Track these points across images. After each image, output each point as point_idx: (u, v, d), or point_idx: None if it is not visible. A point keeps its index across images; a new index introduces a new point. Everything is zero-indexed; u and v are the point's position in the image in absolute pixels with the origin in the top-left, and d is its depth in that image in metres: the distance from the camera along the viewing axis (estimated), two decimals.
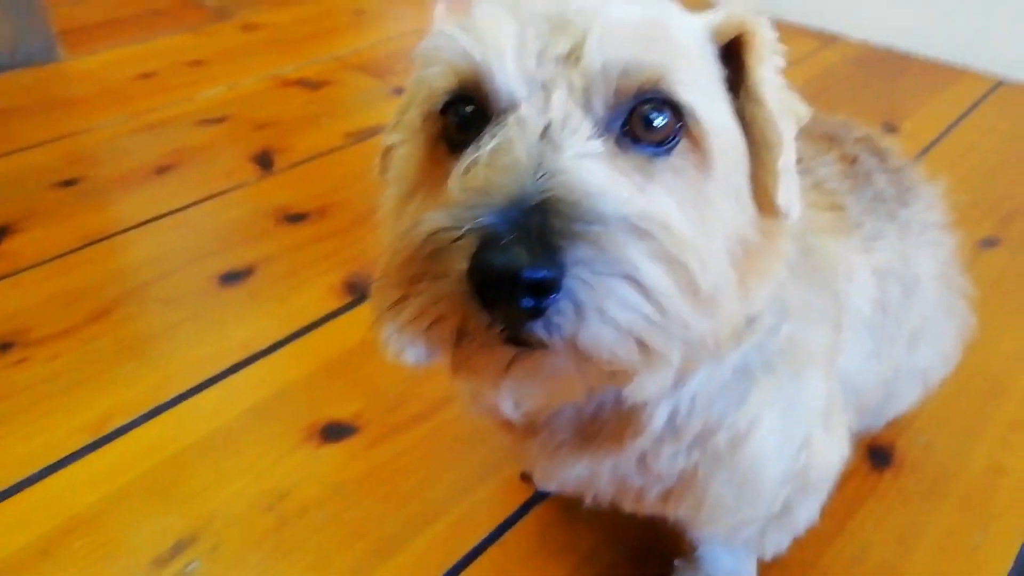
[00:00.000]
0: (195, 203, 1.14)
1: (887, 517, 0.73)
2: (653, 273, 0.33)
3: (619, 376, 0.37)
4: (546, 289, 0.31)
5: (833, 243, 0.56)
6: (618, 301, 0.33)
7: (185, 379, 0.85)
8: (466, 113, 0.39)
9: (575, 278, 0.31)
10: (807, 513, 0.58)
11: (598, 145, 0.36)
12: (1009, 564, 0.69)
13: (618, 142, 0.38)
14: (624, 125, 0.38)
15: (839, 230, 0.58)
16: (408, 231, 0.35)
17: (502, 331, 0.33)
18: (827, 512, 0.60)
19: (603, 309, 0.32)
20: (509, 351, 0.34)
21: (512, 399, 0.44)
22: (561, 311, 0.32)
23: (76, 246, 1.04)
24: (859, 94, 1.53)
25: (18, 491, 0.73)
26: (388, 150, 0.47)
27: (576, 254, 0.31)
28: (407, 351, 0.37)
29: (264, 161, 1.24)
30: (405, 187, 0.43)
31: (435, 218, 0.34)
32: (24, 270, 0.99)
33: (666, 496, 0.52)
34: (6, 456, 0.76)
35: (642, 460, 0.49)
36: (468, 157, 0.37)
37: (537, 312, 0.32)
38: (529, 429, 0.50)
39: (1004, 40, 1.59)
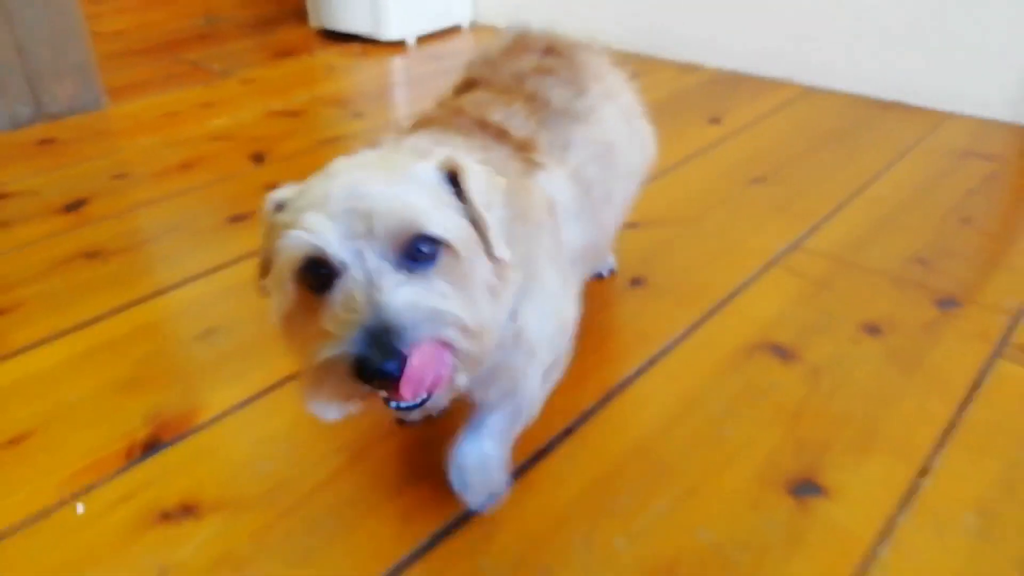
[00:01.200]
0: (208, 184, 1.64)
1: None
2: (451, 336, 0.59)
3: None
4: (399, 369, 0.55)
5: (528, 181, 0.80)
6: (436, 357, 0.57)
7: None
8: (317, 270, 0.59)
9: (410, 354, 0.56)
10: (559, 370, 0.87)
11: (398, 276, 0.58)
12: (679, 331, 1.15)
13: (408, 269, 0.59)
14: (408, 257, 0.59)
15: (530, 167, 0.82)
16: (315, 351, 0.58)
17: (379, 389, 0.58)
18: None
19: (427, 363, 0.56)
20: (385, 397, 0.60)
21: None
22: (406, 368, 0.55)
23: (130, 210, 1.53)
24: (702, 104, 2.04)
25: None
26: (264, 265, 0.67)
27: (408, 340, 0.56)
28: (327, 412, 0.61)
29: (257, 159, 1.74)
30: (286, 310, 0.63)
31: (325, 347, 0.57)
32: (100, 221, 1.48)
33: (485, 380, 0.76)
34: None
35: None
36: (330, 303, 0.58)
37: (396, 379, 0.55)
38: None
39: (810, 55, 2.12)
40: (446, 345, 0.58)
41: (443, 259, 0.61)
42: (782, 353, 1.10)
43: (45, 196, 1.58)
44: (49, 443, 0.96)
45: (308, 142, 1.83)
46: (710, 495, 0.88)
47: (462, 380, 0.61)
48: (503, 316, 0.69)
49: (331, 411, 0.61)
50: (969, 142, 1.77)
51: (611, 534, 0.83)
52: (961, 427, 0.97)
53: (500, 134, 0.83)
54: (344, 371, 0.56)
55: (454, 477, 0.82)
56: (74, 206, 1.54)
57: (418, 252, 0.60)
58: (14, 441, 0.97)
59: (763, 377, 1.05)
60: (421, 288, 0.58)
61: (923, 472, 0.90)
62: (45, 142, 1.85)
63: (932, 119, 1.90)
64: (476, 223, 0.65)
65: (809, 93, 2.08)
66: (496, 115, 0.85)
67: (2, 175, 1.68)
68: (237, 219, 1.49)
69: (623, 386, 1.05)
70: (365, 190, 0.60)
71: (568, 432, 0.97)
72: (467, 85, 0.95)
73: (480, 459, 0.82)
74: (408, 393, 0.56)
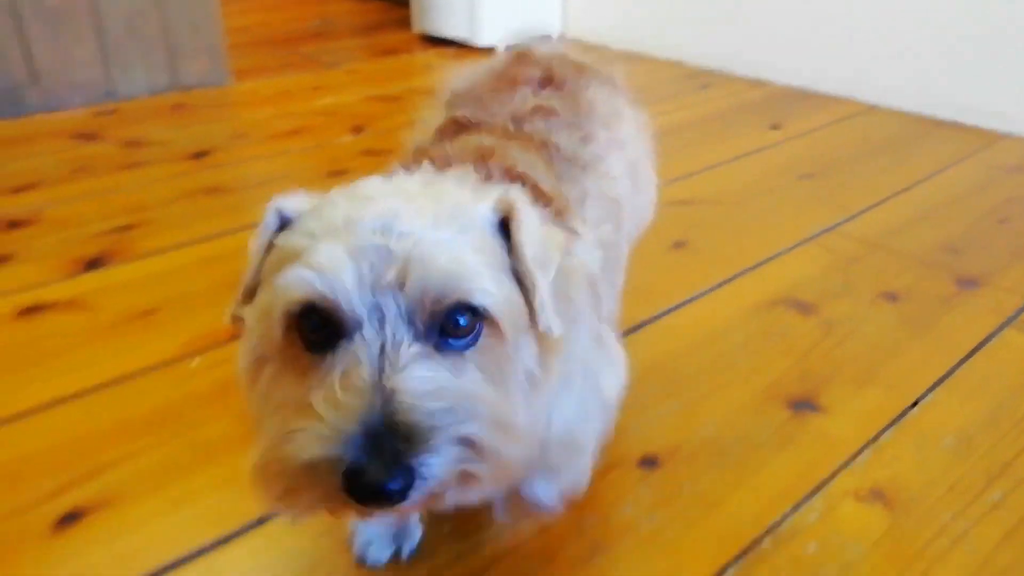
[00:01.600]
0: (312, 148, 1.86)
1: None
2: (481, 436, 0.45)
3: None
4: (406, 488, 0.43)
5: (569, 256, 0.62)
6: (453, 474, 0.45)
7: None
8: (318, 322, 0.47)
9: (421, 471, 0.43)
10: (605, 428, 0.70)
11: (421, 351, 0.46)
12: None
13: (436, 346, 0.47)
14: (440, 329, 0.47)
15: (570, 237, 0.64)
16: (291, 436, 0.45)
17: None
18: None
19: (442, 485, 0.45)
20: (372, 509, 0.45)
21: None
22: (415, 492, 0.44)
23: (244, 161, 1.76)
24: (765, 113, 2.17)
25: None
26: (248, 290, 0.54)
27: (421, 461, 0.43)
28: (294, 515, 0.48)
29: (356, 130, 1.97)
30: (258, 355, 0.51)
31: (308, 439, 0.44)
32: (219, 167, 1.72)
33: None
34: None
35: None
36: (326, 369, 0.46)
37: (401, 499, 0.43)
38: None
39: (873, 75, 2.23)
40: (471, 445, 0.45)
41: (484, 340, 0.49)
42: (802, 307, 1.22)
43: (175, 146, 1.84)
44: (173, 318, 1.17)
45: (403, 120, 2.05)
46: (716, 403, 1.01)
47: (480, 494, 0.48)
48: (542, 417, 0.56)
49: (298, 515, 0.48)
50: (1020, 160, 1.84)
51: (623, 423, 0.97)
52: (958, 375, 1.07)
53: (536, 191, 0.65)
54: (330, 482, 0.43)
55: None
56: (199, 155, 1.79)
57: (455, 325, 0.48)
58: (146, 313, 1.18)
59: (781, 323, 1.18)
60: (447, 373, 0.47)
61: (914, 404, 1.01)
62: (178, 107, 2.12)
63: (987, 138, 1.97)
64: (523, 285, 0.52)
65: (870, 110, 2.18)
66: (521, 165, 0.69)
67: (141, 129, 1.95)
68: (334, 174, 1.70)
69: (653, 320, 1.19)
70: (404, 227, 0.48)
71: None
72: (455, 127, 0.79)
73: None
74: (407, 513, 0.49)
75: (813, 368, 1.08)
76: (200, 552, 0.78)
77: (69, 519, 0.82)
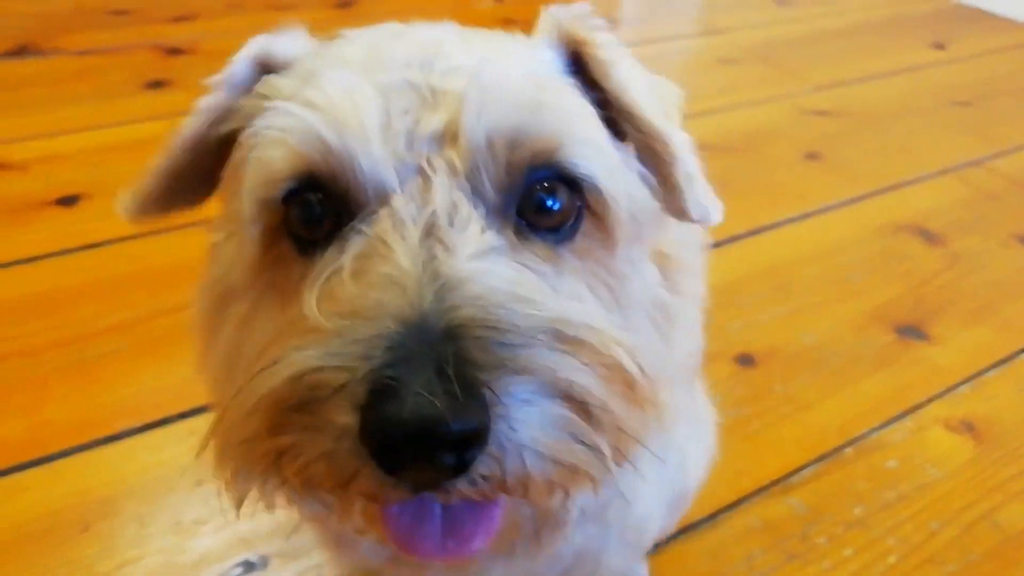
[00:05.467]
0: (449, 7, 1.87)
1: None
2: (587, 385, 0.27)
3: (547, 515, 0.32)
4: (472, 441, 0.24)
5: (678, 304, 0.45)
6: (554, 430, 0.27)
7: None
8: (315, 205, 0.31)
9: (504, 419, 0.25)
10: (686, 507, 0.59)
11: (495, 239, 0.29)
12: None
13: (516, 231, 0.31)
14: (519, 209, 0.31)
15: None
16: (263, 370, 0.27)
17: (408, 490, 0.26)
18: None
19: (539, 444, 0.26)
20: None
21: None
22: (490, 460, 0.25)
23: (387, 16, 1.80)
24: (930, 29, 2.02)
25: None
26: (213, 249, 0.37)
27: (503, 391, 0.25)
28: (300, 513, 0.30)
29: None
30: (225, 288, 0.34)
31: (302, 355, 0.26)
32: (368, 17, 1.76)
33: (563, 573, 0.47)
34: None
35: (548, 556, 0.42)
36: (326, 264, 0.29)
37: (460, 468, 0.25)
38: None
39: None
40: (579, 403, 0.28)
41: (585, 236, 0.33)
42: (928, 236, 1.19)
43: None
44: None
45: None
46: (822, 315, 1.02)
47: (590, 495, 0.32)
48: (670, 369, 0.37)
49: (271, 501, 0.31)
50: None
51: (728, 319, 1.00)
52: None
53: None
54: (336, 426, 0.26)
55: None
56: (344, 4, 1.83)
57: (539, 207, 0.32)
58: None
59: (903, 249, 1.16)
60: (537, 278, 0.30)
61: None
62: None
63: None
64: (642, 152, 0.36)
65: None
66: None
67: None
68: None
69: (774, 226, 1.19)
70: (454, 62, 0.33)
71: None
72: None
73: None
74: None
75: (927, 297, 1.07)
76: None
77: None
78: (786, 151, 1.39)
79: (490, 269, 0.28)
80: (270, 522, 0.72)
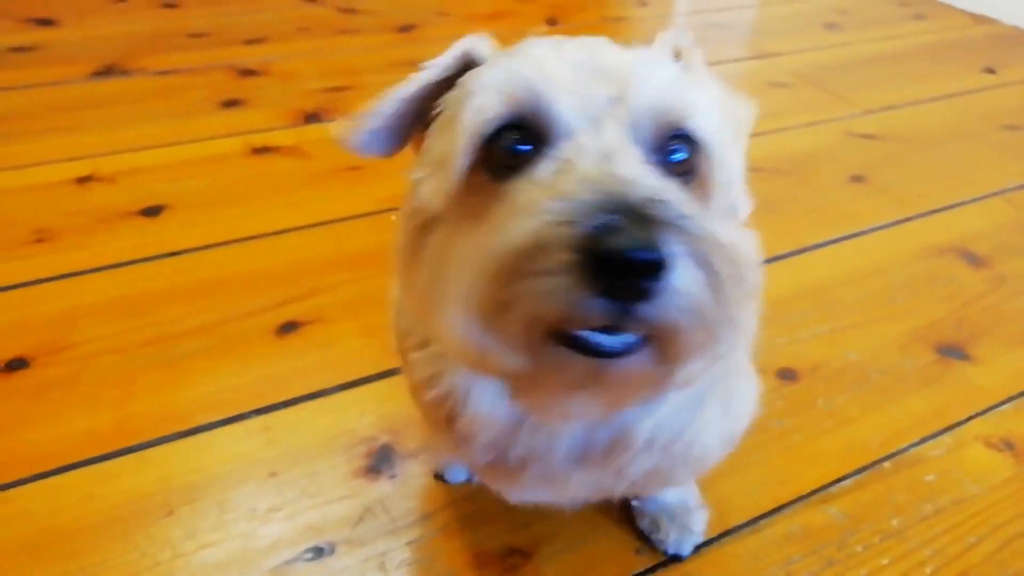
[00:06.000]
0: (503, 33, 1.94)
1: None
2: (723, 259, 0.36)
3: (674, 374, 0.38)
4: (659, 271, 0.33)
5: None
6: (700, 288, 0.35)
7: None
8: (519, 142, 0.40)
9: (678, 260, 0.34)
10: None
11: (647, 167, 0.39)
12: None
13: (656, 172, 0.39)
14: (657, 158, 0.41)
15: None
16: (495, 245, 0.35)
17: (604, 325, 0.34)
18: None
19: (692, 296, 0.35)
20: (593, 363, 0.36)
21: (567, 414, 0.44)
22: (666, 294, 0.34)
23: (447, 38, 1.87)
24: (982, 54, 2.03)
25: None
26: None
27: (677, 241, 0.34)
28: (512, 360, 0.37)
29: (551, 22, 2.02)
30: (425, 218, 0.43)
31: (526, 222, 0.35)
32: (426, 41, 1.84)
33: (630, 488, 0.59)
34: None
35: (618, 472, 0.53)
36: (523, 181, 0.38)
37: (647, 294, 0.33)
38: (517, 468, 0.52)
39: None
40: (713, 273, 0.36)
41: (696, 178, 0.43)
42: (973, 259, 1.21)
43: (384, 16, 1.97)
44: (376, 176, 1.32)
45: (595, 17, 2.08)
46: (864, 334, 1.05)
47: (707, 356, 0.38)
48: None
49: (510, 354, 0.37)
50: None
51: (772, 335, 1.03)
52: None
53: None
54: (563, 261, 0.33)
55: (648, 524, 0.76)
56: (405, 28, 1.91)
57: (669, 157, 0.42)
58: (353, 168, 1.33)
59: (948, 270, 1.18)
60: (674, 190, 0.38)
61: None
62: None
63: None
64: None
65: None
66: None
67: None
68: None
69: (818, 246, 1.22)
70: (614, 58, 0.43)
71: None
72: None
73: (679, 498, 0.75)
74: (655, 327, 0.35)
75: (971, 319, 1.09)
76: (379, 376, 0.94)
77: (288, 327, 0.99)
78: (833, 174, 1.42)
79: (648, 176, 0.38)
80: (338, 512, 0.78)
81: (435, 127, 0.46)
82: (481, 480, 0.64)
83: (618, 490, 0.59)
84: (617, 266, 0.32)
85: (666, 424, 0.51)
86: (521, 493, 0.58)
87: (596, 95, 0.40)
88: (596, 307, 0.33)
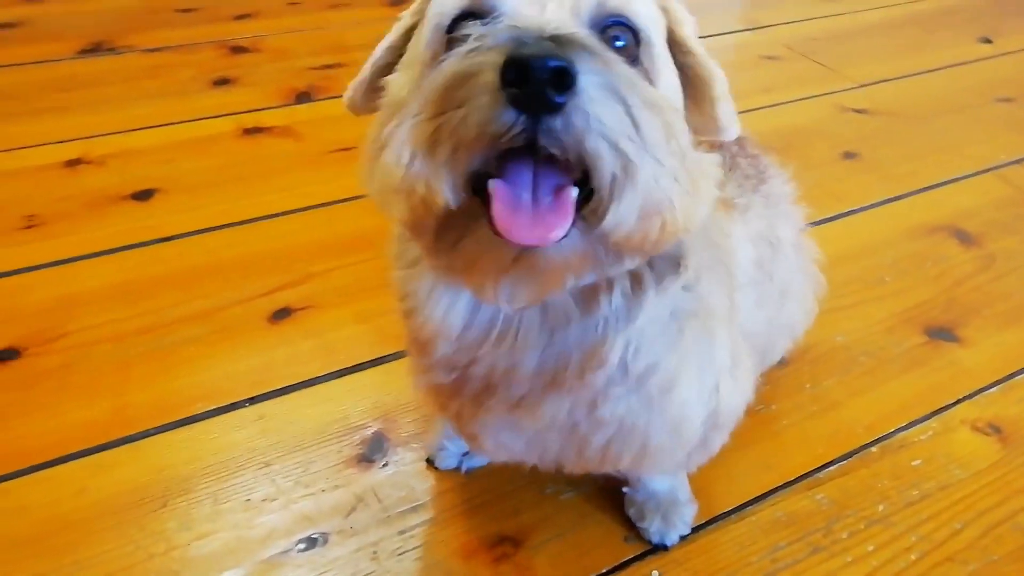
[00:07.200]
0: None
1: None
2: (642, 101, 0.38)
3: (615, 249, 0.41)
4: (567, 82, 0.35)
5: (722, 217, 0.63)
6: (615, 118, 0.37)
7: None
8: (472, 30, 0.41)
9: (587, 79, 0.36)
10: (720, 441, 0.67)
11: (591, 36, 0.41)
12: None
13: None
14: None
15: (722, 207, 0.64)
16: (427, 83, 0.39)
17: (520, 134, 0.36)
18: None
19: (602, 120, 0.36)
20: (514, 249, 0.39)
21: (507, 294, 0.43)
22: (576, 111, 0.36)
23: None
24: (979, 22, 2.01)
25: None
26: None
27: (588, 63, 0.36)
28: (443, 190, 0.38)
29: None
30: (395, 106, 0.45)
31: (452, 62, 0.38)
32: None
33: (607, 445, 0.57)
34: None
35: (592, 405, 0.53)
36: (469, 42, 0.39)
37: (557, 107, 0.35)
38: (483, 390, 0.53)
39: None
40: (624, 106, 0.38)
41: (639, 68, 0.45)
42: (964, 237, 1.21)
43: None
44: None
45: None
46: (853, 316, 1.05)
47: (624, 210, 0.38)
48: (686, 225, 0.43)
49: (446, 185, 0.39)
50: None
51: None
52: None
53: None
54: (484, 86, 0.36)
55: (635, 512, 0.77)
56: (396, 2, 1.88)
57: (612, 42, 0.45)
58: (346, 149, 1.33)
59: (937, 250, 1.18)
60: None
61: None
62: None
63: None
64: (688, 79, 0.50)
65: None
66: None
67: None
68: None
69: (806, 226, 1.22)
70: None
71: None
72: None
73: (669, 489, 0.76)
74: (568, 146, 0.36)
75: (960, 299, 1.09)
76: (372, 363, 0.94)
77: (282, 314, 1.00)
78: (824, 150, 1.42)
79: (576, 30, 0.40)
80: (331, 501, 0.79)
81: (410, 43, 0.50)
82: (455, 428, 0.64)
83: (595, 443, 0.57)
84: (525, 75, 0.34)
85: (641, 348, 0.51)
86: (494, 434, 0.58)
87: None
88: (508, 119, 0.36)
